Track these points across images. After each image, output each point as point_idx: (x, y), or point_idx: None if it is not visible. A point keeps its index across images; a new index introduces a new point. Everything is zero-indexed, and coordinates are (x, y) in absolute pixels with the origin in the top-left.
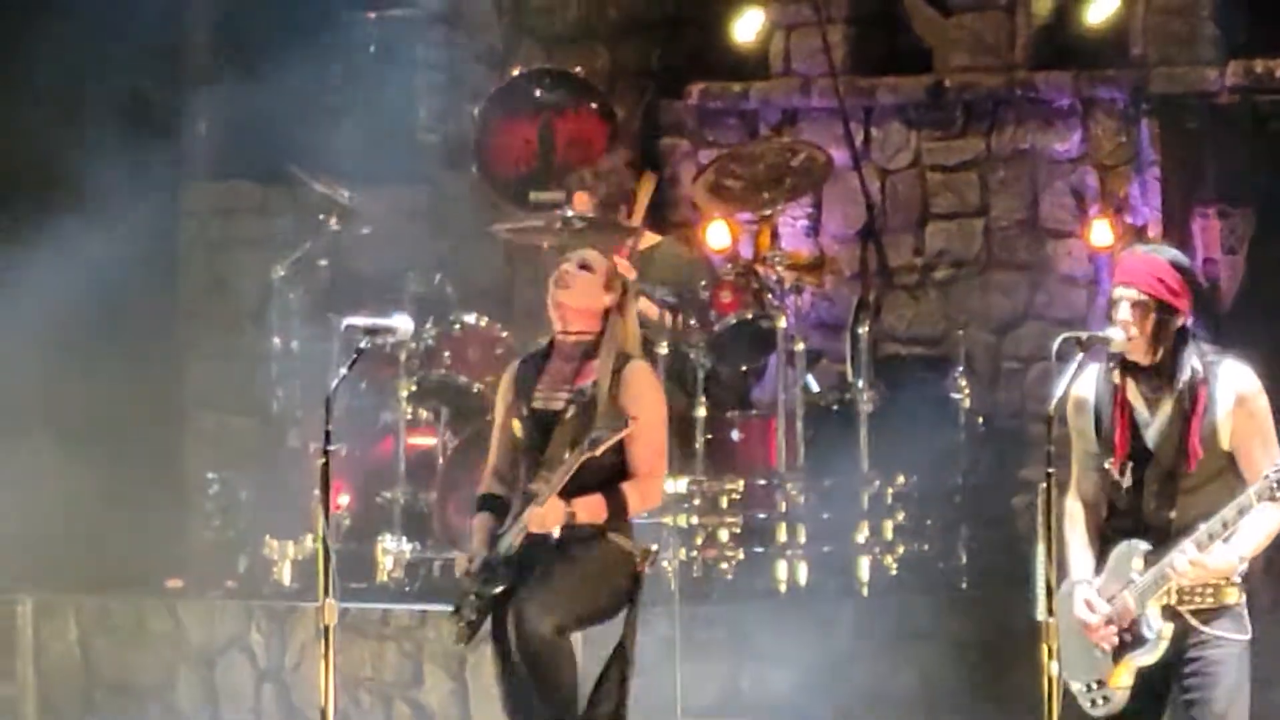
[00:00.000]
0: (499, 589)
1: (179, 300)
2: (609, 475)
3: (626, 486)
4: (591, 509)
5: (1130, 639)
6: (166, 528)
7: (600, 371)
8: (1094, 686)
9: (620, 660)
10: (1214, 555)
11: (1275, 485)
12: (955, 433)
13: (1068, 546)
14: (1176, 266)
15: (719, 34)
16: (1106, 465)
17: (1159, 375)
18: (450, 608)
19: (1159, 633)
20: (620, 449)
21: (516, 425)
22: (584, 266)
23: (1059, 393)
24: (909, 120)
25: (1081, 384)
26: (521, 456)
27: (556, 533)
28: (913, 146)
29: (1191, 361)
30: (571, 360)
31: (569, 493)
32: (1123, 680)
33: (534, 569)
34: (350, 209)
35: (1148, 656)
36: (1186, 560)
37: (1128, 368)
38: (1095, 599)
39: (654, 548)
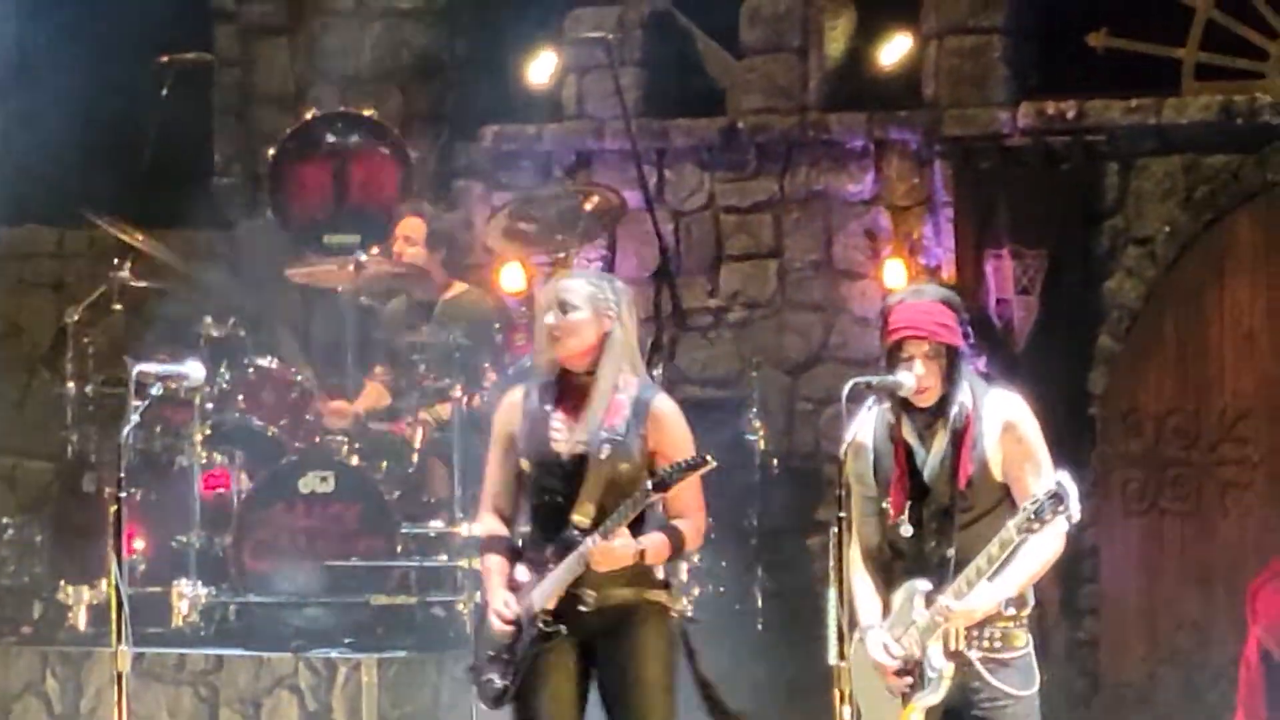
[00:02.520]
0: (549, 643)
1: None
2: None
3: (682, 524)
4: (658, 549)
5: (916, 680)
6: None
7: (622, 409)
8: None
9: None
10: (975, 596)
11: (1033, 516)
12: (750, 474)
13: (854, 594)
14: (947, 304)
15: (513, 77)
16: (885, 506)
17: (934, 411)
18: (470, 665)
19: (940, 672)
20: (637, 481)
21: (527, 465)
22: (566, 307)
23: (848, 436)
24: (702, 162)
25: (861, 428)
26: (532, 496)
27: (591, 601)
28: (706, 188)
29: (962, 395)
30: (585, 392)
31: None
32: None
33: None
34: (145, 253)
35: (931, 697)
36: (946, 608)
37: (903, 406)
38: (891, 643)
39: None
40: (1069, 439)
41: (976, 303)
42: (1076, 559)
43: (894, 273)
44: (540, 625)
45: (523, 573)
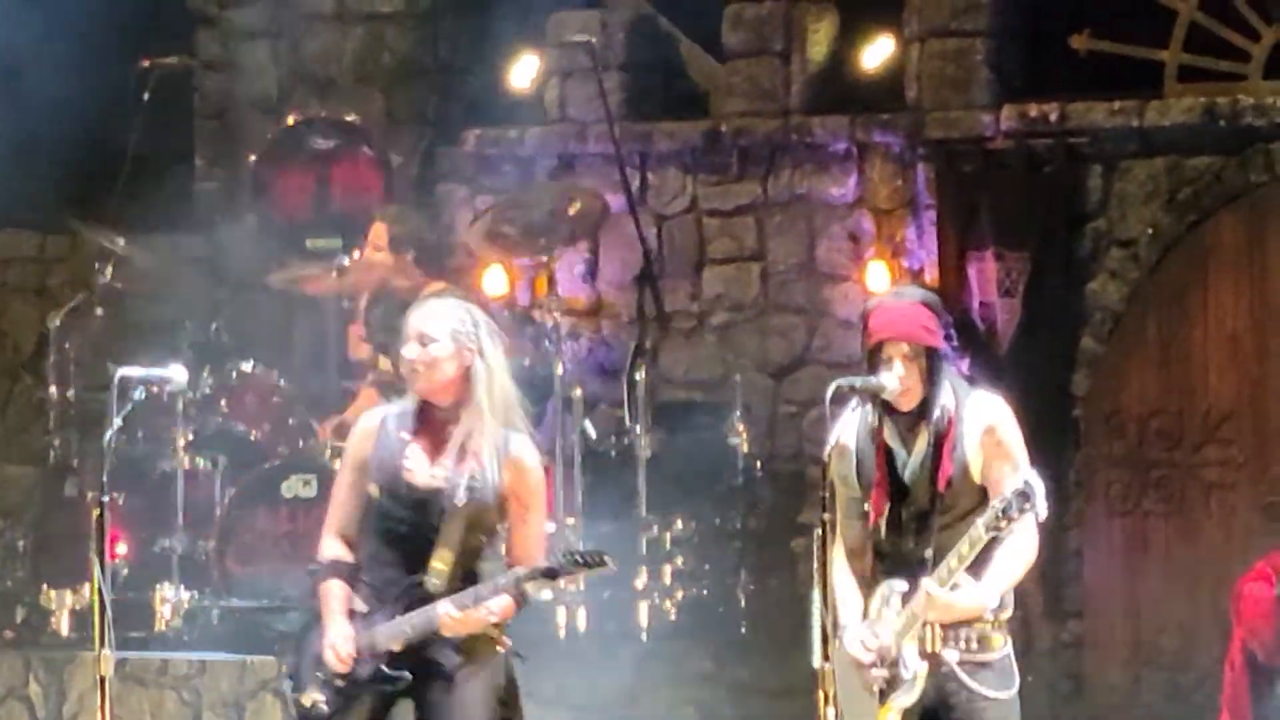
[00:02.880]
0: (391, 686)
1: None
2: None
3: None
4: (505, 611)
5: (892, 680)
6: None
7: (484, 454)
8: None
9: None
10: (962, 594)
11: (1000, 514)
12: (733, 477)
13: (837, 594)
14: (928, 305)
15: (495, 80)
16: (866, 508)
17: (916, 414)
18: (289, 673)
19: (915, 673)
20: (493, 528)
21: (376, 491)
22: (425, 339)
23: (832, 438)
24: (685, 165)
25: (844, 430)
26: (378, 524)
27: (452, 664)
28: (689, 192)
29: (944, 397)
30: (446, 426)
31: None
32: None
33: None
34: (126, 258)
35: (906, 697)
36: (926, 596)
37: (886, 409)
38: (869, 639)
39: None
40: (1052, 441)
41: (959, 305)
42: (1060, 560)
43: (877, 275)
44: (384, 667)
45: (360, 603)
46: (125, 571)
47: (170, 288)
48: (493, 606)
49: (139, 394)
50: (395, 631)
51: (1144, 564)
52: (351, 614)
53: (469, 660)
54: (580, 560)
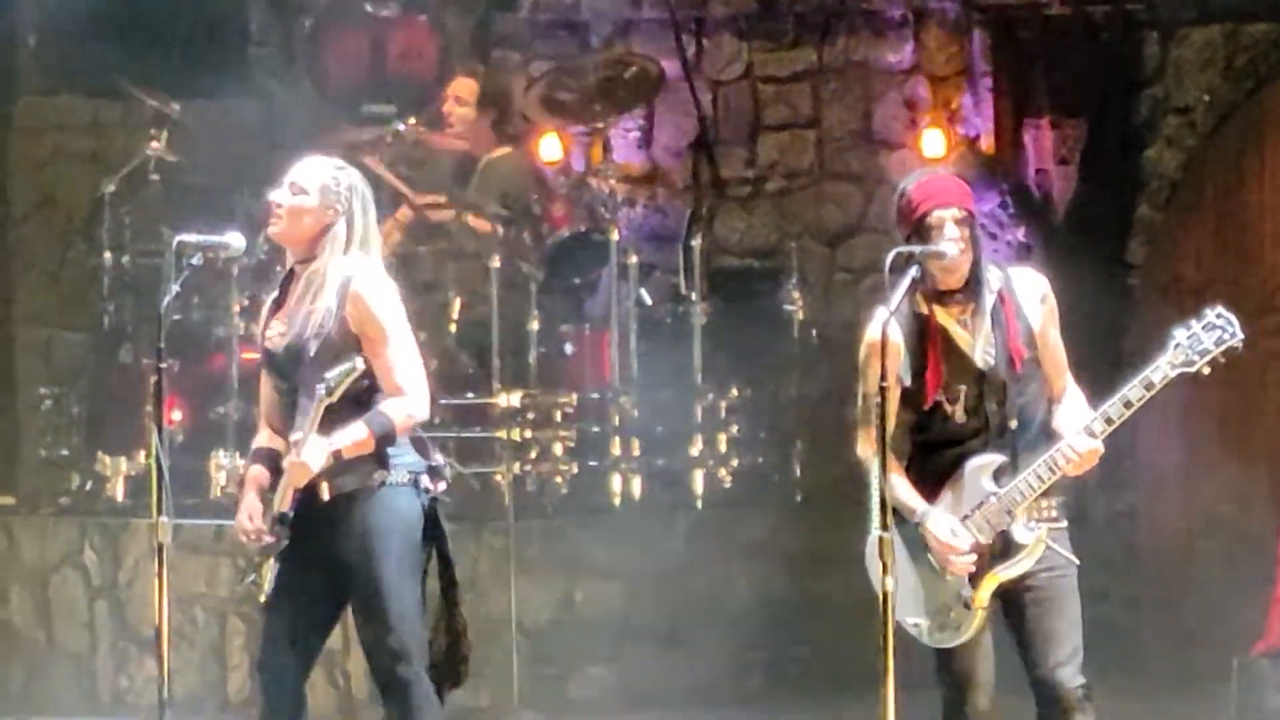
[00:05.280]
0: (278, 550)
1: (9, 216)
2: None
3: (388, 406)
4: (358, 441)
5: (998, 552)
6: None
7: (324, 297)
8: (946, 614)
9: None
10: (1096, 439)
11: (1191, 351)
12: (789, 345)
13: (894, 489)
14: (964, 179)
15: None
16: (938, 398)
17: (965, 292)
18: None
19: (1028, 543)
20: (370, 370)
21: (262, 366)
22: (296, 190)
23: (890, 308)
24: (740, 31)
25: (878, 327)
26: (276, 400)
27: (326, 493)
28: (744, 58)
29: (988, 271)
30: (309, 287)
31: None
32: (985, 599)
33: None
34: (181, 123)
35: (1017, 568)
36: (1079, 447)
37: (932, 296)
38: (958, 526)
39: (440, 462)
40: (1108, 308)
41: (1015, 173)
42: (1115, 431)
43: (933, 142)
44: (276, 527)
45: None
46: (180, 438)
47: (225, 154)
48: (337, 441)
49: (196, 259)
50: (278, 492)
51: (1199, 434)
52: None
53: (364, 494)
54: (342, 371)
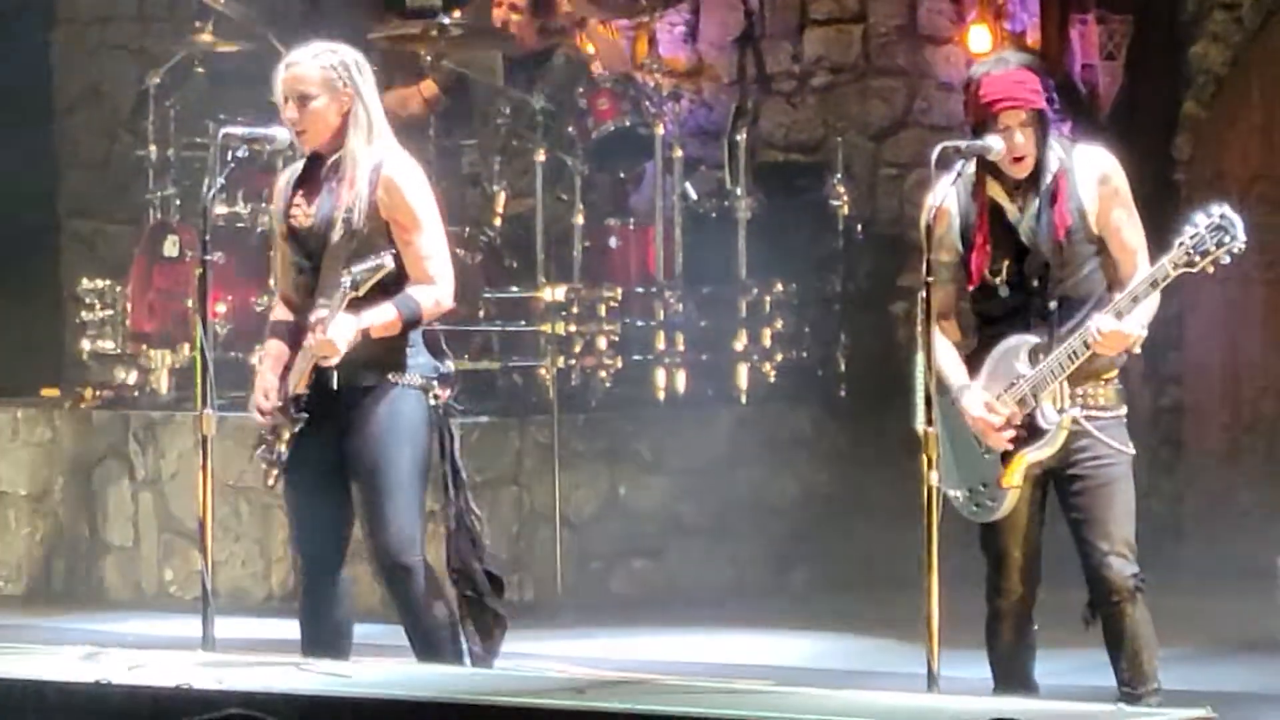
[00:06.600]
0: (297, 428)
1: (54, 109)
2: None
3: (416, 291)
4: (387, 322)
5: (1026, 434)
6: (42, 336)
7: (355, 181)
8: (980, 490)
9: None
10: (1129, 322)
11: (1193, 251)
12: (833, 240)
13: (939, 359)
14: (1032, 69)
15: None
16: (986, 274)
17: (1029, 178)
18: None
19: (1058, 424)
20: (397, 255)
21: (281, 241)
22: (305, 99)
23: (933, 202)
24: None
25: (945, 196)
26: (291, 272)
27: (334, 383)
28: None
29: (1053, 158)
30: (333, 168)
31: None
32: (1015, 479)
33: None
34: (227, 16)
35: (1045, 449)
36: (1104, 327)
37: (993, 172)
38: (994, 401)
39: (450, 369)
40: (1154, 204)
41: (1061, 68)
42: (1160, 325)
43: (979, 38)
44: (290, 411)
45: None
46: (224, 331)
47: (270, 46)
48: (365, 320)
49: (242, 152)
50: (294, 373)
51: (1244, 329)
52: (288, 368)
53: (380, 390)
54: (370, 268)
